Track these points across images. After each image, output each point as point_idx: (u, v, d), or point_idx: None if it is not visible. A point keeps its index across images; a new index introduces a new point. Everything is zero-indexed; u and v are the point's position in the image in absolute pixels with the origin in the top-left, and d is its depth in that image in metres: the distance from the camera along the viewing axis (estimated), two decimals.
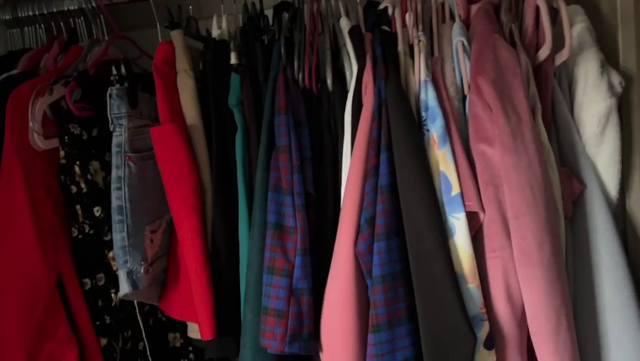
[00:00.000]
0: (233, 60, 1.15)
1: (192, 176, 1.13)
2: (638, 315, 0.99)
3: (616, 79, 1.01)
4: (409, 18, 1.15)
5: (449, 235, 0.98)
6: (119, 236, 1.14)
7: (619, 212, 1.04)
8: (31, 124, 1.14)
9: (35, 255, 1.11)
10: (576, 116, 1.03)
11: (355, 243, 1.01)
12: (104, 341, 1.24)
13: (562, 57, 1.00)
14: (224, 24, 1.20)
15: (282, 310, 1.02)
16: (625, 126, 1.04)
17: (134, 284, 1.14)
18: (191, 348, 1.42)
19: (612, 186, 1.01)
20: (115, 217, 1.15)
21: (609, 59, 1.03)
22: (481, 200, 0.98)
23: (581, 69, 1.02)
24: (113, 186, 1.15)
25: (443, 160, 1.00)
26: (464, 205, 0.98)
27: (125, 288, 1.14)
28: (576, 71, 1.03)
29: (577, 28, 1.02)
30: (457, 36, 1.04)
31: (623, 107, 1.05)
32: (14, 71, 1.31)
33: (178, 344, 1.41)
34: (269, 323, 1.03)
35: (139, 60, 1.39)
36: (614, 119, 1.00)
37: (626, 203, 1.06)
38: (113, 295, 1.25)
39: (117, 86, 1.17)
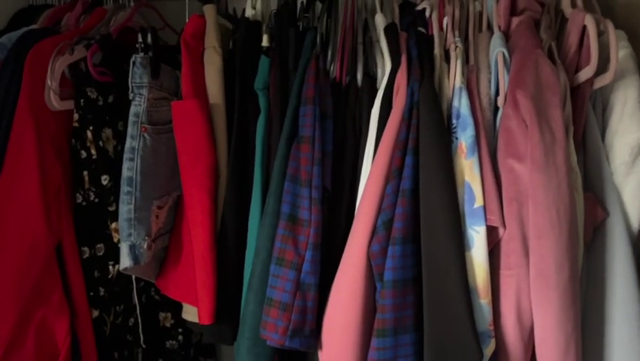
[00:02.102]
0: (264, 43, 1.12)
1: (209, 156, 1.10)
2: None
3: None
4: (447, 23, 1.13)
5: (467, 247, 0.96)
6: (125, 208, 1.11)
7: (636, 242, 1.03)
8: (49, 82, 1.10)
9: (39, 218, 1.08)
10: (608, 142, 1.01)
11: (369, 243, 0.99)
12: (95, 313, 1.22)
13: (603, 81, 0.98)
14: (258, 5, 1.17)
15: (287, 303, 1.00)
16: None
17: (135, 259, 1.11)
18: (180, 330, 1.40)
19: (635, 218, 0.99)
20: (124, 188, 1.11)
21: None
22: (503, 215, 0.96)
23: (620, 95, 1.00)
24: (126, 156, 1.12)
25: (469, 171, 0.98)
26: (485, 219, 0.96)
27: (126, 262, 1.11)
28: (614, 97, 1.01)
29: (620, 54, 1.00)
30: (497, 47, 1.01)
31: None
32: (34, 26, 1.27)
33: (168, 324, 1.39)
34: (272, 314, 1.00)
35: (160, 31, 1.36)
36: None
37: None
38: (110, 267, 1.22)
39: (141, 54, 1.14)
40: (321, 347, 1.03)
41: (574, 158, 0.98)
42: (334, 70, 1.09)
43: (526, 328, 0.97)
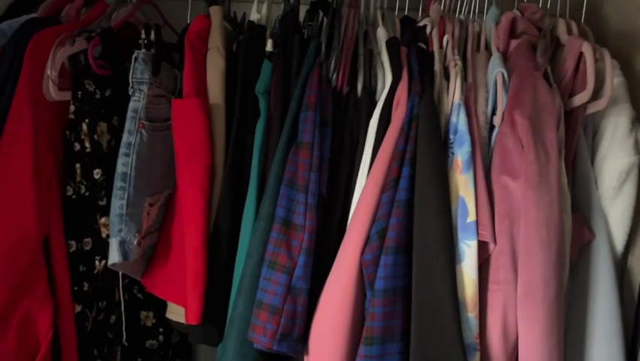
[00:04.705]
0: (269, 47, 1.13)
1: (207, 156, 1.10)
2: None
3: None
4: (447, 40, 1.16)
5: (457, 260, 0.98)
6: (118, 203, 1.11)
7: (619, 265, 1.06)
8: (48, 71, 1.09)
9: (30, 208, 1.06)
10: (597, 166, 1.05)
11: (362, 252, 1.00)
12: (78, 308, 1.20)
13: (597, 106, 1.01)
14: (263, 10, 1.18)
15: (277, 306, 1.00)
16: None
17: (125, 255, 1.10)
18: (161, 330, 1.38)
19: (619, 241, 1.03)
20: (117, 183, 1.11)
21: (638, 117, 1.06)
22: (494, 231, 0.99)
23: (611, 122, 1.04)
24: (122, 151, 1.11)
25: (464, 186, 1.00)
26: (477, 233, 0.98)
27: (114, 257, 1.10)
28: (605, 123, 1.05)
29: (614, 82, 1.04)
30: (497, 67, 1.04)
31: None
32: (35, 15, 1.26)
33: (149, 324, 1.37)
34: (261, 317, 1.00)
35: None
36: (634, 176, 1.02)
37: (628, 258, 1.07)
38: (97, 262, 1.21)
39: (144, 50, 1.14)
40: (308, 353, 1.04)
41: (564, 179, 1.01)
42: (336, 79, 1.11)
43: (511, 342, 0.99)
